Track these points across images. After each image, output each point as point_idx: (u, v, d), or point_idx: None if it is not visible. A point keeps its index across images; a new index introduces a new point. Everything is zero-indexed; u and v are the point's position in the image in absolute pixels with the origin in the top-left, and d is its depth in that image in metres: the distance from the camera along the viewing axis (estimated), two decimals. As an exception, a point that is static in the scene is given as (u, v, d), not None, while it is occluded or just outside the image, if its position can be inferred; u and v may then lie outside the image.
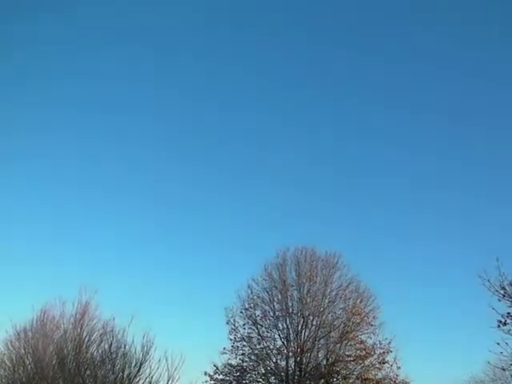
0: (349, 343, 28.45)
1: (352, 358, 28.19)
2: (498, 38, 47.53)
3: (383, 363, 27.71)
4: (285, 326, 28.94)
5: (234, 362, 28.64)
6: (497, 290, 16.53)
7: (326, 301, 29.24)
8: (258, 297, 29.76)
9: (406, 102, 52.51)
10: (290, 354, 28.25)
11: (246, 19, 52.21)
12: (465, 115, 52.55)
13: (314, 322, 28.82)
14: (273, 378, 28.06)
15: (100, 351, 27.15)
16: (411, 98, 52.31)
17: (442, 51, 49.60)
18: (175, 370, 25.56)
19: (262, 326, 29.15)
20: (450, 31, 49.68)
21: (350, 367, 28.25)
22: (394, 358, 27.62)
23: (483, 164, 51.27)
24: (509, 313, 16.54)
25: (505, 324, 16.57)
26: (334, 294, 29.54)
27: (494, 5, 46.08)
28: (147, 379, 26.15)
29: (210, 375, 28.06)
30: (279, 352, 28.64)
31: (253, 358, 28.34)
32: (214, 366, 28.35)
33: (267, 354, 28.49)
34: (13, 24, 44.96)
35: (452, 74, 51.33)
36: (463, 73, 50.59)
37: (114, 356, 26.41)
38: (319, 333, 28.65)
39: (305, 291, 29.25)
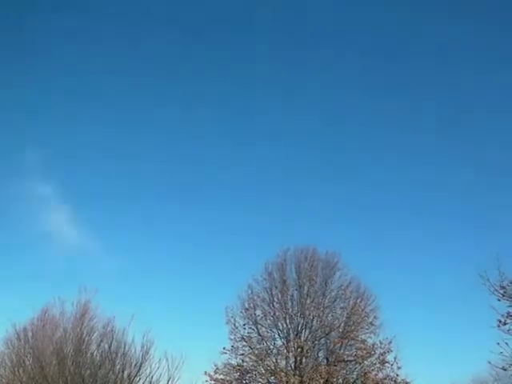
0: (349, 343, 28.39)
1: (352, 358, 28.12)
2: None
3: (384, 363, 27.62)
4: (285, 325, 28.91)
5: (234, 362, 28.62)
6: (496, 290, 16.53)
7: (326, 301, 29.23)
8: (259, 297, 29.76)
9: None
10: (290, 353, 28.19)
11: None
12: (464, 116, 52.66)
13: (314, 322, 28.78)
14: (273, 377, 27.99)
15: (100, 351, 27.13)
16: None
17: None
18: (175, 369, 25.68)
19: (262, 325, 29.12)
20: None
21: (350, 367, 28.20)
22: (395, 358, 27.57)
23: (483, 164, 51.33)
24: (509, 312, 16.51)
25: (505, 324, 16.55)
26: (334, 293, 29.55)
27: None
28: (147, 379, 26.22)
29: (210, 375, 27.97)
30: (279, 352, 28.59)
31: (253, 357, 28.26)
32: (214, 365, 28.30)
33: (267, 353, 28.43)
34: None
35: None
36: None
37: (114, 356, 26.42)
38: (319, 333, 28.62)
39: (305, 291, 29.24)
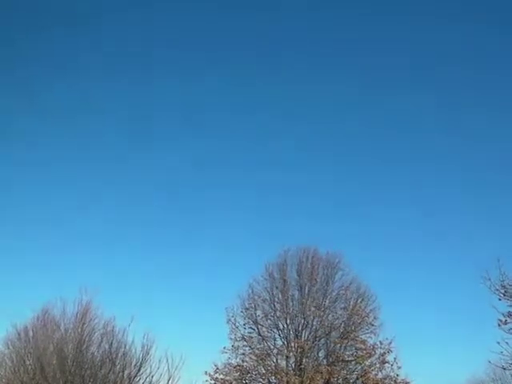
0: (349, 343, 28.40)
1: (352, 358, 28.14)
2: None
3: (384, 363, 27.64)
4: (285, 325, 28.92)
5: (234, 362, 28.60)
6: (497, 289, 16.52)
7: (327, 301, 29.24)
8: (259, 296, 29.77)
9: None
10: (291, 354, 28.21)
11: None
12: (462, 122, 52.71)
13: (315, 322, 28.80)
14: (273, 377, 28.00)
15: (100, 351, 27.14)
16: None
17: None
18: (175, 369, 25.68)
19: (262, 325, 29.12)
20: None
21: (351, 367, 28.21)
22: (395, 358, 27.59)
23: (484, 163, 51.39)
24: (509, 312, 16.52)
25: (505, 323, 16.55)
26: (334, 294, 29.57)
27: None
28: (147, 379, 26.23)
29: (210, 375, 27.99)
30: (279, 352, 28.60)
31: (253, 357, 28.25)
32: (215, 365, 28.29)
33: (267, 353, 28.43)
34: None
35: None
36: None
37: (114, 356, 26.44)
38: (320, 333, 28.63)
39: (306, 291, 29.25)
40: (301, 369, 27.78)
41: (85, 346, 27.06)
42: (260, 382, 28.28)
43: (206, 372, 27.98)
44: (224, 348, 28.66)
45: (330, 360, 28.21)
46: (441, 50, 50.71)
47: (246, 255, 49.57)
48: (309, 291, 29.25)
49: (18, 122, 49.69)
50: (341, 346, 28.34)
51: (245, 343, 28.76)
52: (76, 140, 53.26)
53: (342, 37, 53.27)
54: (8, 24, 46.58)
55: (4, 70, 46.74)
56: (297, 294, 29.48)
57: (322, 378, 26.93)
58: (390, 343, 27.81)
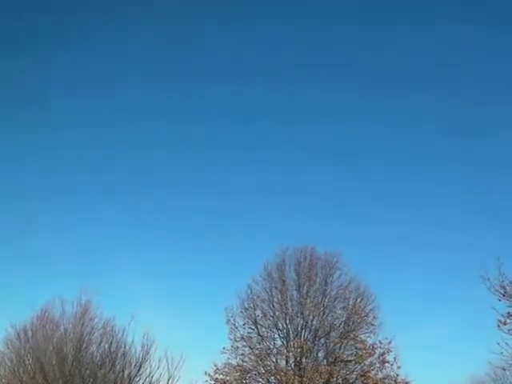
0: (349, 343, 28.39)
1: (352, 358, 28.14)
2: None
3: (384, 363, 27.64)
4: (285, 325, 28.94)
5: (233, 362, 28.62)
6: (497, 290, 16.57)
7: (326, 300, 29.24)
8: (258, 297, 29.79)
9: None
10: (290, 354, 28.21)
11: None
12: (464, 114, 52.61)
13: (314, 322, 28.81)
14: (272, 378, 28.01)
15: (100, 351, 27.18)
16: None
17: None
18: (175, 369, 25.71)
19: (261, 325, 29.14)
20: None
21: (350, 367, 28.21)
22: (394, 358, 27.61)
23: (484, 163, 51.34)
24: (509, 312, 16.54)
25: (505, 324, 16.57)
26: (333, 293, 29.57)
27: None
28: (147, 378, 26.26)
29: (209, 375, 28.00)
30: (279, 352, 28.61)
31: (253, 357, 28.26)
32: (214, 365, 28.30)
33: (267, 353, 28.43)
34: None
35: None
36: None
37: (114, 356, 26.45)
38: (319, 333, 28.63)
39: (304, 291, 29.26)
40: (300, 369, 27.79)
41: (84, 346, 27.08)
42: (260, 381, 28.29)
43: (205, 372, 28.04)
44: (224, 348, 28.73)
45: (330, 360, 28.22)
46: (441, 49, 50.59)
47: (245, 255, 49.55)
48: (307, 291, 29.26)
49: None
50: (340, 346, 28.34)
51: (244, 343, 28.79)
52: (78, 143, 53.04)
53: (342, 36, 53.09)
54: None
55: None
56: (296, 293, 29.53)
57: (321, 377, 26.95)
58: (390, 343, 27.85)
